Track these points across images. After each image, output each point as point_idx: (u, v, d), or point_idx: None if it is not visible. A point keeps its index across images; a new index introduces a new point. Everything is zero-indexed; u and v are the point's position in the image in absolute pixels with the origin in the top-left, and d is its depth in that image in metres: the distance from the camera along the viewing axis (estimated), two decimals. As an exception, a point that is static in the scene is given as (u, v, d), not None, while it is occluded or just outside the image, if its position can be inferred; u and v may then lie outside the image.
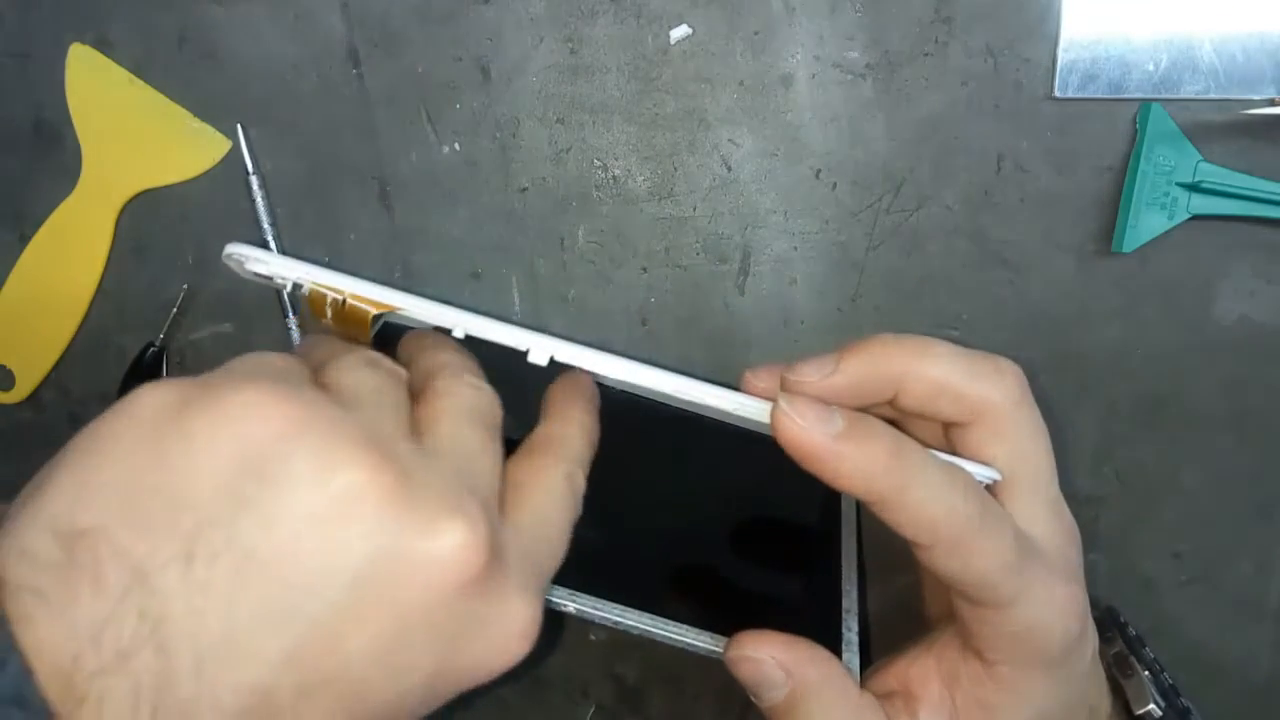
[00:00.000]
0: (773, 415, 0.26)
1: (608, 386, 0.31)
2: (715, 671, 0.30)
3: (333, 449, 0.21)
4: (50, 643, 0.18)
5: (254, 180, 0.41)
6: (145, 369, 0.43)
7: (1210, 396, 0.41)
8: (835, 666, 0.29)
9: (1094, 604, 0.30)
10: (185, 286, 0.42)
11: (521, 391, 0.28)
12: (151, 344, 0.43)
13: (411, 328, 0.30)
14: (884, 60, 0.39)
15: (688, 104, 0.40)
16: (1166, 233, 0.38)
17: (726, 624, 0.31)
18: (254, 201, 0.41)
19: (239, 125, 0.41)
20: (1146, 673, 0.35)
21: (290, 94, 0.41)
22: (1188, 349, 0.40)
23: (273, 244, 0.41)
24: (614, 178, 0.41)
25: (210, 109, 0.41)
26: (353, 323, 0.27)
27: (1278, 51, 0.37)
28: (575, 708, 0.45)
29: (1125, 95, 0.38)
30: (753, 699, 0.30)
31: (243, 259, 0.27)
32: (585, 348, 0.28)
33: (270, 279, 0.28)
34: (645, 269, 0.41)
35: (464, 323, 0.27)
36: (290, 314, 0.42)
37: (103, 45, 0.41)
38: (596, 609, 0.31)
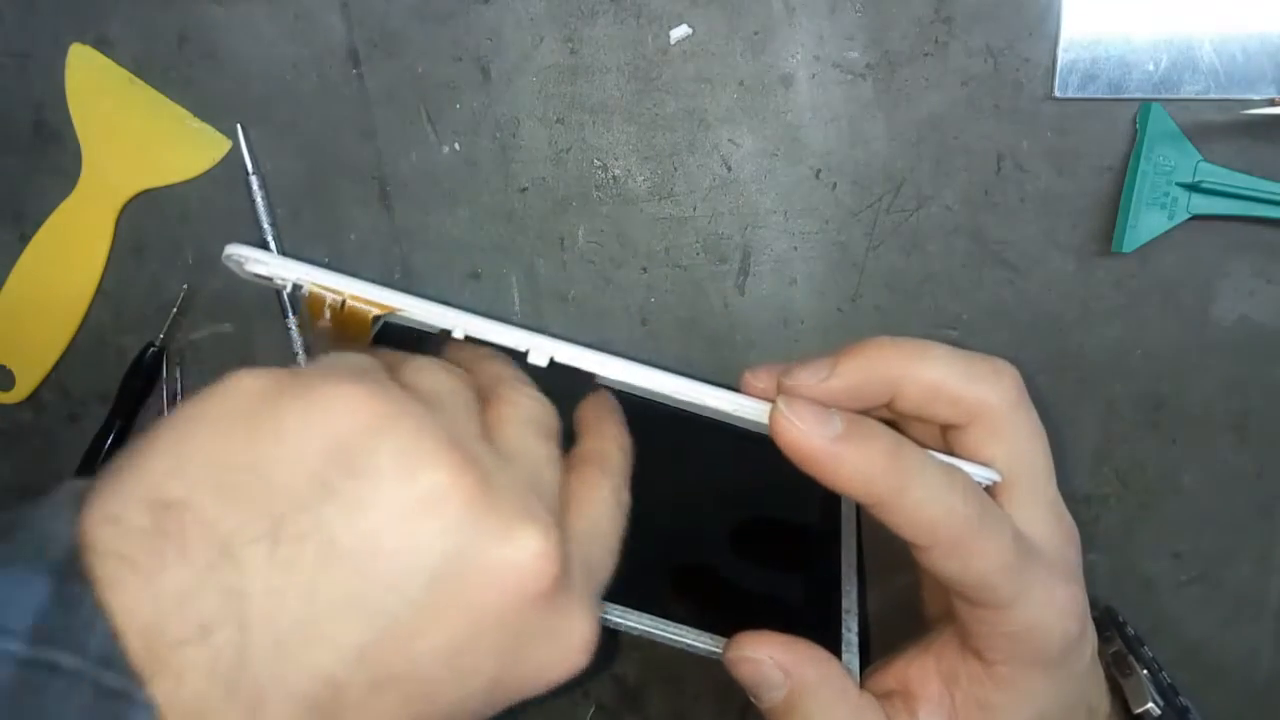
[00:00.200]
0: (771, 417, 0.26)
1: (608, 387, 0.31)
2: (715, 671, 0.30)
3: (418, 447, 0.21)
4: (134, 609, 0.19)
5: (254, 180, 0.41)
6: (145, 369, 0.43)
7: (1210, 396, 0.41)
8: (834, 667, 0.29)
9: (1093, 603, 0.30)
10: (185, 286, 0.42)
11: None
12: (151, 344, 0.43)
13: (413, 329, 0.30)
14: (884, 60, 0.39)
15: (688, 104, 0.40)
16: (1166, 233, 0.38)
17: (726, 624, 0.31)
18: (254, 201, 0.41)
19: (239, 125, 0.41)
20: (1145, 672, 0.35)
21: (290, 94, 0.41)
22: (1187, 349, 0.40)
23: (273, 244, 0.41)
24: (614, 178, 0.41)
25: (210, 109, 0.41)
26: (352, 324, 0.27)
27: (1278, 52, 0.37)
28: (575, 708, 0.45)
29: (1125, 95, 0.38)
30: (752, 699, 0.30)
31: (242, 260, 0.27)
32: (585, 349, 0.28)
33: (270, 280, 0.28)
34: (645, 269, 0.41)
35: (464, 323, 0.27)
36: (290, 314, 0.42)
37: (103, 45, 0.41)
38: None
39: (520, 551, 0.22)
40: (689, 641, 0.31)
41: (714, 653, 0.31)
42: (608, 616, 0.31)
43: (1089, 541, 0.41)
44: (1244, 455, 0.41)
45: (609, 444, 0.29)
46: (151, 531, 0.19)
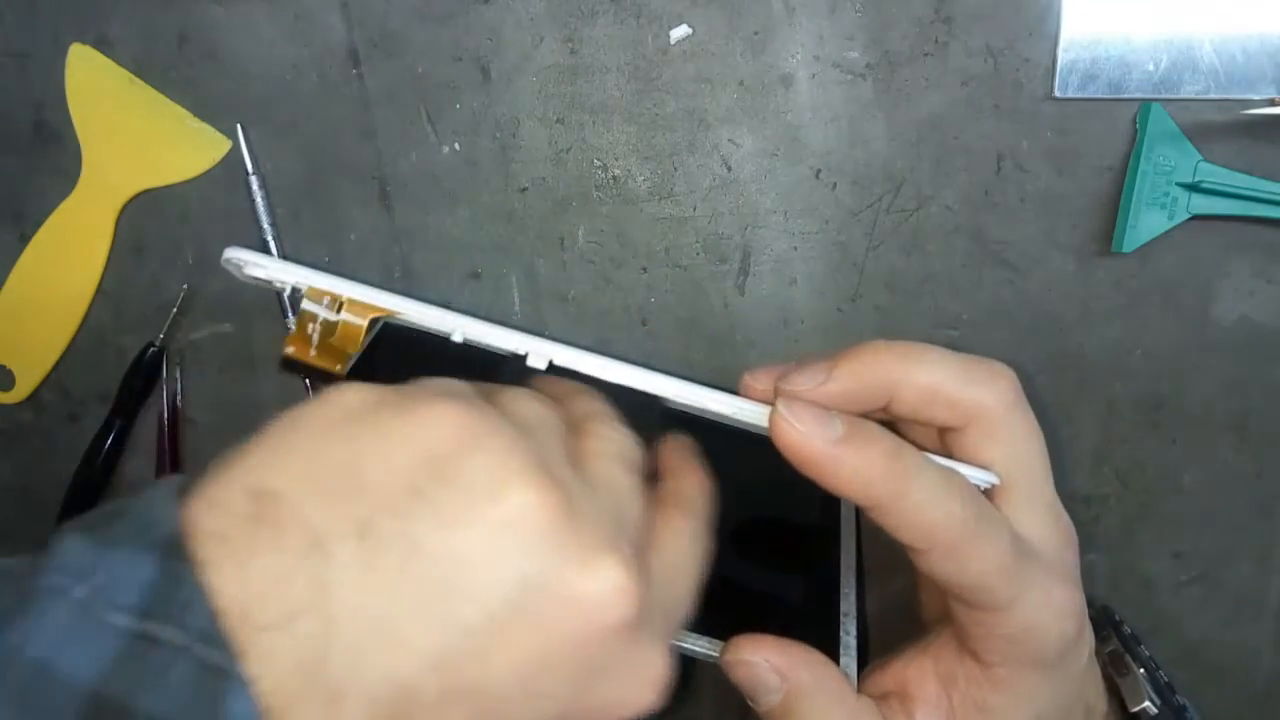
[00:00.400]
0: (771, 420, 0.26)
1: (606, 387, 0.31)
2: (715, 671, 0.31)
3: (508, 465, 0.22)
4: (227, 590, 0.19)
5: (254, 180, 0.41)
6: (145, 369, 0.43)
7: (1210, 396, 0.41)
8: (830, 670, 0.29)
9: (1090, 603, 0.30)
10: (185, 286, 0.42)
11: None
12: (151, 344, 0.43)
13: (417, 332, 0.30)
14: (884, 60, 0.39)
15: (688, 104, 0.40)
16: (1166, 233, 0.38)
17: (724, 628, 0.31)
18: (254, 201, 0.41)
19: (239, 125, 0.41)
20: (1142, 670, 0.35)
21: (290, 94, 0.41)
22: (1187, 349, 0.40)
23: (272, 244, 0.41)
24: (614, 178, 0.40)
25: (210, 109, 0.41)
26: (345, 336, 0.27)
27: (1278, 52, 0.37)
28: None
29: (1125, 95, 0.38)
30: (749, 703, 0.30)
31: (241, 263, 0.27)
32: (584, 352, 0.28)
33: (269, 283, 0.28)
34: (645, 269, 0.41)
35: (462, 327, 0.27)
36: (290, 314, 0.42)
37: (103, 45, 0.41)
38: None
39: (601, 582, 0.22)
40: (687, 646, 0.31)
41: (711, 656, 0.31)
42: None
43: (1089, 541, 0.41)
44: (1244, 455, 0.41)
45: (693, 487, 0.29)
46: (250, 517, 0.20)
